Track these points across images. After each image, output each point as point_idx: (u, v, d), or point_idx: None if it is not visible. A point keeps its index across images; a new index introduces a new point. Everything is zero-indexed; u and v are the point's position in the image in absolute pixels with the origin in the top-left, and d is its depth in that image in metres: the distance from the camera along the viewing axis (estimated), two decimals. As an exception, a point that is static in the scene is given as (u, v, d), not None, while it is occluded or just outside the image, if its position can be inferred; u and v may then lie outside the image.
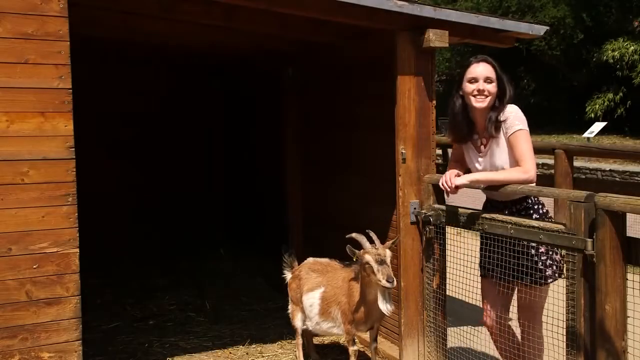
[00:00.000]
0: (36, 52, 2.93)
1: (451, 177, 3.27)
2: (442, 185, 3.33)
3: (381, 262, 3.39)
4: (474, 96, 3.18)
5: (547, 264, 3.12)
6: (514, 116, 3.15)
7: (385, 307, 3.46)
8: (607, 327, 2.54)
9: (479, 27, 3.93)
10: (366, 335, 4.07)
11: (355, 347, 3.79)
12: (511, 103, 3.21)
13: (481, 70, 3.18)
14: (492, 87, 3.17)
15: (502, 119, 3.15)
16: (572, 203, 2.69)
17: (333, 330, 3.89)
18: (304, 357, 4.11)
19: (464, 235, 3.52)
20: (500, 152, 3.20)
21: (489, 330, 3.35)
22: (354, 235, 3.55)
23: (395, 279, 3.37)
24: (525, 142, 3.10)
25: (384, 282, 3.34)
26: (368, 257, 3.42)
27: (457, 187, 3.25)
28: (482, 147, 3.28)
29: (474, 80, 3.18)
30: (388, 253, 3.46)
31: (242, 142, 7.51)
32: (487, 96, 3.16)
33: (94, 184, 5.39)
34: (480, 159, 3.29)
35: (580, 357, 2.72)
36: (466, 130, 3.28)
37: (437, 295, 3.69)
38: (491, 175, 3.16)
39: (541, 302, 3.17)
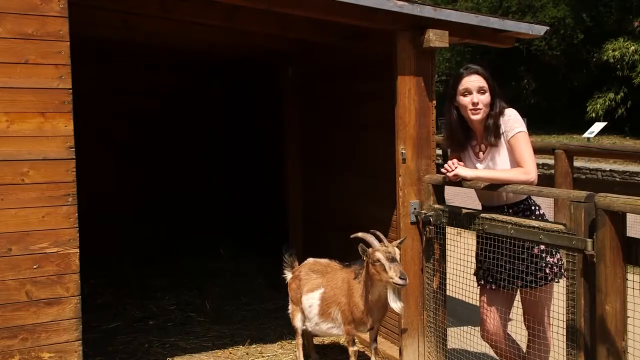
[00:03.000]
0: (36, 52, 2.93)
1: (454, 163, 3.28)
2: (444, 169, 3.33)
3: (392, 259, 3.35)
4: (470, 109, 3.20)
5: (540, 266, 3.12)
6: (512, 119, 3.17)
7: (396, 305, 3.43)
8: (607, 327, 2.54)
9: (479, 27, 3.93)
10: (366, 336, 4.07)
11: (355, 348, 3.79)
12: (505, 106, 3.22)
13: (473, 82, 3.20)
14: (485, 98, 3.19)
15: (500, 125, 3.17)
16: (572, 203, 2.69)
17: (332, 331, 3.88)
18: (304, 357, 4.11)
19: (464, 235, 3.52)
20: (501, 157, 3.21)
21: (491, 344, 3.32)
22: (359, 234, 3.53)
23: (407, 277, 3.34)
24: (525, 144, 3.11)
25: (396, 279, 3.29)
26: (379, 255, 3.38)
27: (457, 176, 3.25)
28: (481, 153, 3.30)
29: (467, 92, 3.21)
30: (397, 251, 3.44)
31: (242, 142, 7.51)
32: (481, 108, 3.19)
33: (94, 184, 5.39)
34: (479, 165, 3.30)
35: (581, 357, 2.72)
36: (463, 138, 3.31)
37: (437, 295, 3.69)
38: (494, 173, 3.17)
39: (543, 303, 3.16)
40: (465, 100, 3.21)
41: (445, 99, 3.35)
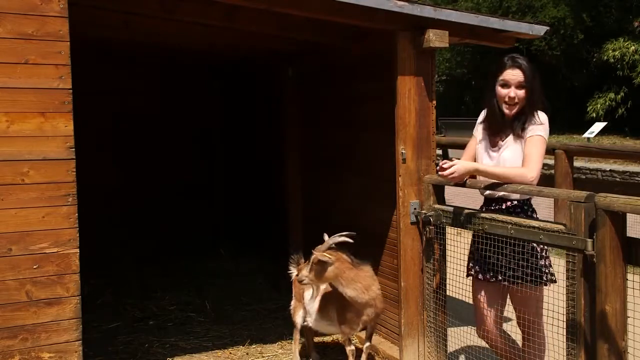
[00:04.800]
0: (36, 52, 2.92)
1: (446, 163, 3.26)
2: (440, 165, 3.32)
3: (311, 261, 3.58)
4: (505, 102, 3.20)
5: (539, 265, 3.12)
6: (539, 122, 3.16)
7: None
8: (607, 327, 2.54)
9: (479, 27, 3.93)
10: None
11: (352, 347, 3.80)
12: (541, 107, 3.21)
13: (514, 76, 3.18)
14: (522, 93, 3.18)
15: (527, 124, 3.17)
16: (572, 203, 2.69)
17: (331, 328, 3.93)
18: (304, 355, 4.11)
19: (464, 235, 3.52)
20: (514, 152, 3.20)
21: (488, 341, 3.31)
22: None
23: (305, 278, 3.60)
24: (537, 146, 3.11)
25: None
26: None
27: (455, 173, 3.21)
28: (500, 141, 3.28)
29: (505, 85, 3.20)
30: (319, 254, 3.54)
31: (242, 142, 7.51)
32: (517, 103, 3.19)
33: (94, 184, 5.39)
34: (493, 154, 3.29)
35: (581, 357, 2.72)
36: (501, 123, 3.27)
37: (437, 296, 3.69)
38: (491, 168, 3.17)
39: (536, 301, 3.16)
40: (502, 92, 3.21)
41: (488, 82, 3.32)
